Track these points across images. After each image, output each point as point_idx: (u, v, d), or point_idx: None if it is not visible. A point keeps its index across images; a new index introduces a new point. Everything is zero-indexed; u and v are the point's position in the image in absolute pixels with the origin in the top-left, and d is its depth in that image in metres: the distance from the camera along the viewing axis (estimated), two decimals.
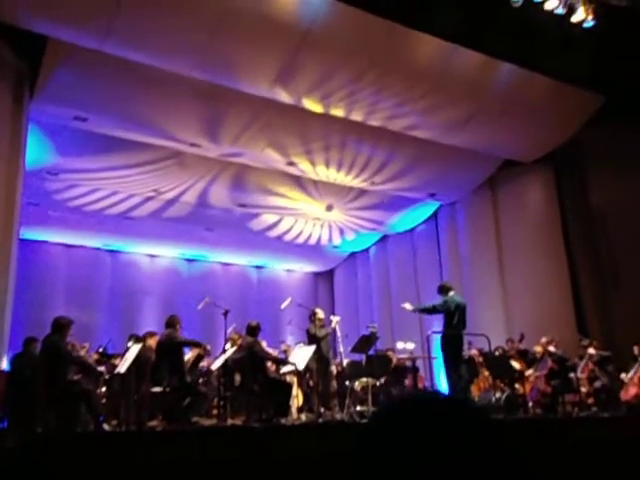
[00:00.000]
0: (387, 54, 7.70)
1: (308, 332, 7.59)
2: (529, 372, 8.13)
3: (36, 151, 8.80)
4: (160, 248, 14.01)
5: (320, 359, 7.32)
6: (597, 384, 7.92)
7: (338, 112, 8.73)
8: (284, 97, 8.24)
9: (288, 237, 13.71)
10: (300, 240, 13.94)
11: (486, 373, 8.52)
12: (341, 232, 13.83)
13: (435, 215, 12.91)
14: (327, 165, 10.35)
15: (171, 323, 7.06)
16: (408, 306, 7.18)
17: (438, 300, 7.18)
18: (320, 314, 7.78)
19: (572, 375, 7.83)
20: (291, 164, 10.24)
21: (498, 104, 8.76)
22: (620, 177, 9.60)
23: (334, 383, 7.42)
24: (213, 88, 7.99)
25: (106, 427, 6.12)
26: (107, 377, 7.59)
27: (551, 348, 7.92)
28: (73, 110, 8.20)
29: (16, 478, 3.84)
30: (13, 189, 7.30)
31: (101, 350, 7.92)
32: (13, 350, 7.52)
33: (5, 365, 6.92)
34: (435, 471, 0.62)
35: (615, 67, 8.27)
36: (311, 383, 8.69)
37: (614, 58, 8.07)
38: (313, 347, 7.23)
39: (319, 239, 14.07)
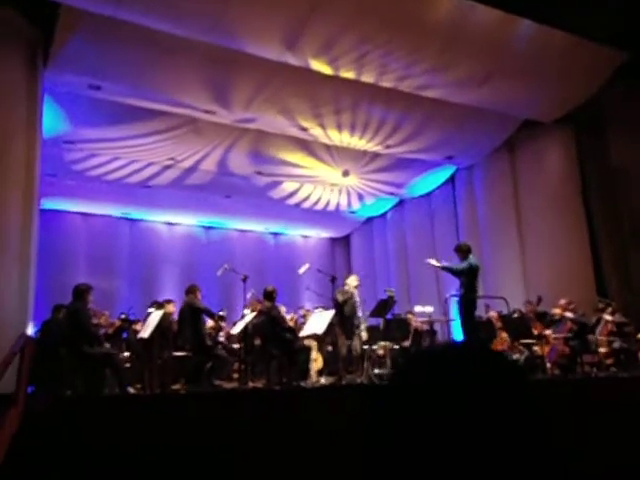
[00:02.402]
0: (403, 13, 7.52)
1: (334, 299, 7.66)
2: (548, 332, 8.14)
3: (51, 121, 8.82)
4: (178, 216, 14.11)
5: (342, 323, 7.39)
6: (616, 345, 7.91)
7: (349, 74, 8.58)
8: (295, 60, 8.11)
9: (306, 204, 13.70)
10: (317, 206, 13.92)
11: (504, 335, 8.54)
12: (358, 197, 13.77)
13: (452, 179, 12.78)
14: (344, 130, 10.24)
15: (191, 290, 7.17)
16: (434, 262, 7.18)
17: (457, 260, 7.16)
18: (349, 280, 7.82)
19: (591, 336, 7.83)
20: (304, 129, 10.15)
21: (516, 62, 8.54)
22: None
23: (357, 346, 7.49)
24: (226, 53, 7.89)
25: (131, 390, 6.27)
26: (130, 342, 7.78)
27: (568, 313, 7.89)
28: (87, 78, 8.17)
29: (46, 440, 3.97)
30: (32, 160, 7.35)
31: (123, 316, 8.07)
32: (38, 317, 7.69)
33: (31, 331, 7.09)
34: (473, 422, 0.61)
35: (637, 22, 8.00)
36: (330, 348, 8.80)
37: (636, 13, 7.80)
38: (332, 311, 7.29)
39: (334, 204, 14.03)
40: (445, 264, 7.16)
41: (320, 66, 8.31)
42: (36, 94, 7.57)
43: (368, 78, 8.70)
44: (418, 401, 0.64)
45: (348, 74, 8.56)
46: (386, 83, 8.84)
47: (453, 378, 0.63)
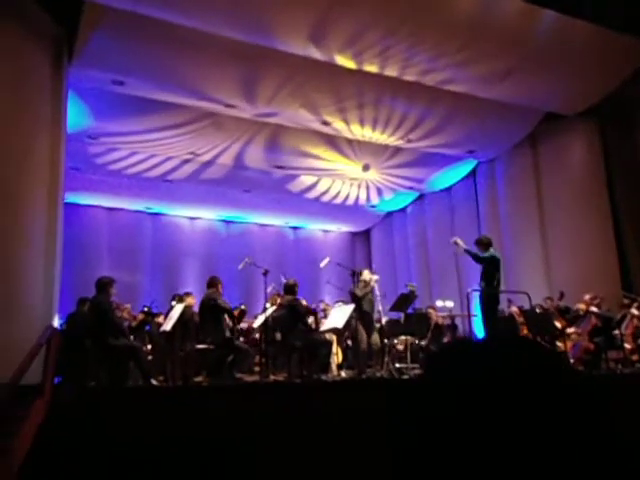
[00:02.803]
0: (424, 6, 7.46)
1: (350, 293, 7.63)
2: (571, 330, 8.05)
3: (75, 116, 8.93)
4: (199, 210, 14.22)
5: (361, 317, 7.37)
6: None
7: (372, 68, 8.54)
8: (318, 54, 8.10)
9: (325, 198, 13.70)
10: (337, 201, 13.92)
11: (524, 331, 8.46)
12: (378, 192, 13.72)
13: (473, 173, 12.67)
14: (362, 123, 10.21)
15: (212, 284, 7.19)
16: (460, 242, 7.10)
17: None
18: (364, 276, 7.75)
19: (616, 332, 7.72)
20: (325, 123, 10.14)
21: (539, 54, 8.41)
22: None
23: (377, 340, 7.47)
24: (249, 48, 7.91)
25: (154, 382, 6.35)
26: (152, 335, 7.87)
27: (593, 308, 7.80)
28: (111, 74, 8.26)
29: (71, 430, 4.05)
30: (57, 154, 7.45)
31: (146, 309, 8.17)
32: (63, 309, 7.82)
33: (57, 323, 7.21)
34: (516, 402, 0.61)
35: None
36: (349, 342, 8.80)
37: None
38: (352, 306, 7.28)
39: (356, 199, 14.01)
40: (469, 248, 7.07)
41: (344, 60, 8.29)
42: (61, 90, 7.66)
43: (391, 72, 8.66)
44: (447, 396, 0.64)
45: (372, 68, 8.53)
46: (409, 77, 8.79)
47: (490, 371, 0.63)
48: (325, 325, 7.75)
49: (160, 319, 8.23)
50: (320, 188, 13.24)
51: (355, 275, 7.81)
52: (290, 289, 7.36)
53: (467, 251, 7.04)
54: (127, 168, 11.50)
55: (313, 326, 7.66)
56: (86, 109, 9.26)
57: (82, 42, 7.59)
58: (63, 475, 3.80)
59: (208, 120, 10.05)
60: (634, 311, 7.95)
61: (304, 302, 7.80)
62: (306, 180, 12.85)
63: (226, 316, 7.08)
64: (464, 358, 0.69)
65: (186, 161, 11.51)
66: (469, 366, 0.66)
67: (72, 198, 11.63)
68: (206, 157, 11.38)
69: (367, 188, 13.49)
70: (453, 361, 0.70)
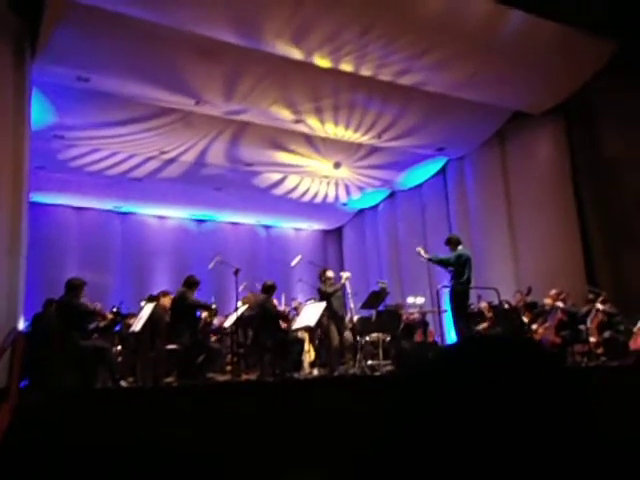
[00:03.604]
0: (394, 6, 7.50)
1: (319, 291, 7.67)
2: (536, 325, 8.20)
3: (39, 113, 8.73)
4: (169, 209, 14.05)
5: (333, 315, 7.40)
6: (606, 334, 7.98)
7: (347, 67, 8.58)
8: (293, 53, 8.09)
9: (296, 195, 13.66)
10: (308, 198, 13.90)
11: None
12: (349, 190, 13.75)
13: (443, 170, 12.80)
14: (335, 122, 10.23)
15: (187, 283, 7.11)
16: (422, 252, 7.17)
17: (447, 253, 7.18)
18: (329, 274, 7.83)
19: (581, 326, 7.88)
20: (298, 121, 10.12)
21: (506, 55, 8.55)
22: (633, 128, 9.39)
23: (349, 337, 7.52)
24: (220, 44, 7.84)
25: (123, 384, 6.26)
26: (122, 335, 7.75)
27: (559, 303, 7.95)
28: (75, 70, 8.09)
29: (38, 434, 3.96)
30: (21, 153, 7.27)
31: (115, 310, 8.03)
32: (28, 311, 7.64)
33: (22, 325, 7.05)
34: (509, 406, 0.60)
35: (629, 11, 7.99)
36: (319, 340, 8.83)
37: (628, 1, 7.80)
38: (323, 304, 7.30)
39: (327, 197, 14.01)
40: (432, 256, 7.17)
41: (320, 60, 8.29)
42: (24, 88, 7.47)
43: (366, 71, 8.73)
44: (434, 397, 0.63)
45: (347, 67, 8.56)
46: (384, 77, 8.85)
47: (480, 372, 0.63)
48: (297, 323, 7.75)
49: (131, 320, 8.10)
50: (288, 184, 13.18)
51: (323, 274, 7.88)
52: (267, 289, 7.36)
53: (430, 260, 7.13)
54: (92, 165, 11.22)
55: (284, 324, 7.65)
56: (51, 107, 9.06)
57: (45, 38, 7.41)
58: None
59: (177, 116, 9.92)
60: (599, 305, 8.14)
61: (274, 302, 7.79)
62: (277, 177, 12.78)
63: (204, 313, 7.02)
64: (448, 359, 0.68)
65: (152, 158, 11.31)
66: (456, 366, 0.66)
67: (39, 198, 11.38)
68: (174, 155, 11.22)
69: (336, 185, 13.50)
70: (437, 363, 0.70)
